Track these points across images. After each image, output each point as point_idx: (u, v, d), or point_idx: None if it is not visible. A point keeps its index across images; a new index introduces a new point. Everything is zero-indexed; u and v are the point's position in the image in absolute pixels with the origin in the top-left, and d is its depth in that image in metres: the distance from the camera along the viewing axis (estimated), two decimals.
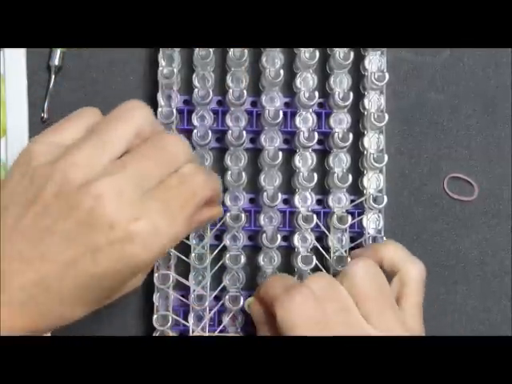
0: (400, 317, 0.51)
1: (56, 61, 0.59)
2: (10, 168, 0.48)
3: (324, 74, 0.59)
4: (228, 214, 0.56)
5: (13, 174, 0.47)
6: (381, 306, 0.51)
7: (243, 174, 0.56)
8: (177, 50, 0.57)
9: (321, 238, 0.58)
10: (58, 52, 0.59)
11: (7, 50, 0.58)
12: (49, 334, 0.56)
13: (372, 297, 0.50)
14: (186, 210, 0.47)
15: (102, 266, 0.44)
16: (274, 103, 0.57)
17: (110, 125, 0.47)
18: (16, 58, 0.59)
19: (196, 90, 0.56)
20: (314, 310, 0.49)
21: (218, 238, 0.58)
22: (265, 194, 0.56)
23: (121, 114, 0.48)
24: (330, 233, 0.57)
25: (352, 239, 0.58)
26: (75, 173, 0.44)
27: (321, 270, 0.57)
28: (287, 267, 0.58)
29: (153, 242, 0.45)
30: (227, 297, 0.56)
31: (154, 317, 0.56)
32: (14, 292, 0.44)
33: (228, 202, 0.57)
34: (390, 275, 0.53)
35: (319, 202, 0.59)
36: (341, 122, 0.58)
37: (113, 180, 0.44)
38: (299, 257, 0.56)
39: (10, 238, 0.45)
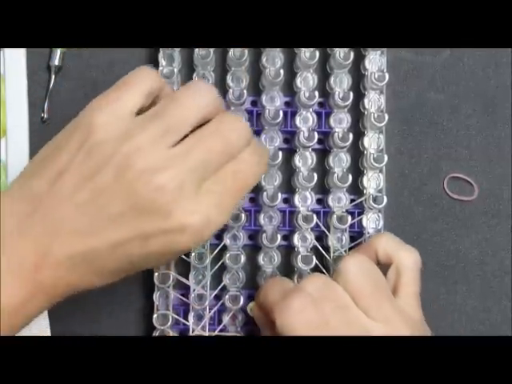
0: (398, 307, 0.51)
1: (56, 61, 0.59)
2: (68, 125, 0.48)
3: (324, 74, 0.59)
4: None
5: (71, 138, 0.47)
6: (378, 300, 0.50)
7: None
8: (177, 49, 0.57)
9: (321, 237, 0.58)
10: (58, 52, 0.59)
11: (7, 50, 0.58)
12: (49, 334, 0.56)
13: (367, 292, 0.50)
14: (236, 199, 0.48)
15: (149, 251, 0.46)
16: (274, 103, 0.57)
17: (177, 107, 0.47)
18: (16, 58, 0.59)
19: None
20: (312, 313, 0.49)
21: (218, 237, 0.58)
22: (265, 193, 0.56)
23: (188, 94, 0.48)
24: (329, 232, 0.57)
25: (352, 239, 0.58)
26: (138, 158, 0.45)
27: (321, 270, 0.57)
28: (287, 267, 0.58)
29: (203, 233, 0.47)
30: (227, 296, 0.56)
31: (154, 316, 0.56)
32: (60, 257, 0.45)
33: None
34: (385, 266, 0.53)
35: (319, 201, 0.59)
36: (341, 122, 0.58)
37: (175, 173, 0.45)
38: (299, 256, 0.56)
39: (65, 208, 0.46)
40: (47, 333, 0.56)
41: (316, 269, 0.56)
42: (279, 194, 0.56)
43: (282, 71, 0.57)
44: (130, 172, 0.45)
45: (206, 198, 0.46)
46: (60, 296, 0.47)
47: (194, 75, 0.57)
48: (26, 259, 0.45)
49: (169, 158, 0.46)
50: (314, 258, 0.56)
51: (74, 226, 0.45)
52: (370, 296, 0.50)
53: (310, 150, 0.57)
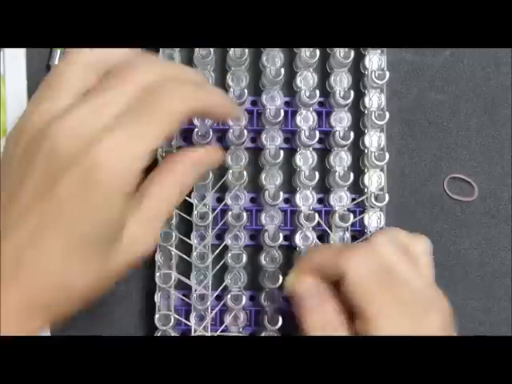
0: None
1: (56, 61, 0.59)
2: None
3: (324, 73, 0.59)
4: (229, 213, 0.56)
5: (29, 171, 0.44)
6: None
7: (244, 173, 0.56)
8: (177, 49, 0.57)
9: (322, 236, 0.58)
10: (58, 52, 0.59)
11: (7, 50, 0.58)
12: (49, 334, 0.56)
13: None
14: (156, 123, 0.44)
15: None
16: (274, 102, 0.57)
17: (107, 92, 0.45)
18: (16, 58, 0.58)
19: None
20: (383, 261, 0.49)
21: (220, 237, 0.58)
22: (266, 192, 0.56)
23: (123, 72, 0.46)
24: (331, 231, 0.57)
25: (353, 238, 0.58)
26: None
27: None
28: (289, 266, 0.57)
29: (121, 164, 0.43)
30: (229, 296, 0.56)
31: (156, 316, 0.56)
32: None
33: (229, 201, 0.57)
34: None
35: (320, 200, 0.59)
36: (341, 121, 0.58)
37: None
38: (301, 255, 0.56)
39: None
40: (47, 332, 0.56)
41: None
42: (280, 194, 0.56)
43: (282, 70, 0.56)
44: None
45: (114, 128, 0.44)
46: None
47: None
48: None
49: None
50: None
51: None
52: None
53: (311, 149, 0.57)
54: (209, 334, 0.56)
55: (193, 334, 0.56)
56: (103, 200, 0.43)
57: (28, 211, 0.43)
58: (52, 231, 0.43)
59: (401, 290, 0.49)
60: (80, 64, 0.47)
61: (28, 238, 0.43)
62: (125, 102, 0.44)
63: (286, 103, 0.59)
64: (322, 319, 0.50)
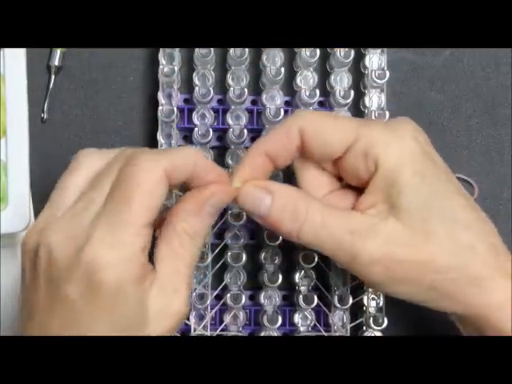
0: None
1: (56, 61, 0.60)
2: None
3: (324, 73, 0.59)
4: (229, 213, 0.56)
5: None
6: None
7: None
8: (177, 49, 0.57)
9: None
10: (58, 52, 0.60)
11: (7, 50, 0.58)
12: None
13: None
14: (131, 204, 0.44)
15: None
16: (274, 101, 0.57)
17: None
18: (16, 58, 0.58)
19: (196, 88, 0.56)
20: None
21: (219, 236, 0.58)
22: None
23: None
24: None
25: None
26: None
27: (322, 268, 0.57)
28: (289, 265, 0.58)
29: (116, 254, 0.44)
30: (229, 295, 0.56)
31: None
32: None
33: None
34: None
35: None
36: None
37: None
38: (301, 254, 0.56)
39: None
40: None
41: (317, 267, 0.56)
42: None
43: (282, 70, 0.57)
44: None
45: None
46: None
47: (195, 74, 0.57)
48: None
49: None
50: (316, 256, 0.56)
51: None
52: None
53: None
54: (208, 333, 0.56)
55: (192, 333, 0.56)
56: (112, 296, 0.43)
57: (47, 315, 0.44)
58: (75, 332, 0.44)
59: None
60: (80, 175, 0.47)
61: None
62: (102, 199, 0.45)
63: (286, 103, 0.59)
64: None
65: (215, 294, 0.57)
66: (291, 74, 0.58)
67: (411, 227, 0.46)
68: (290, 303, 0.58)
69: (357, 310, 0.58)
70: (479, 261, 0.47)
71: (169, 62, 0.57)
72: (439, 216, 0.47)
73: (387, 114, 0.57)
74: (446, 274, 0.46)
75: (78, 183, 0.46)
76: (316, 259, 0.56)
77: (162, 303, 0.45)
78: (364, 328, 0.57)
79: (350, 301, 0.56)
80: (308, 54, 0.57)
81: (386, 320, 0.56)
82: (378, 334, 0.57)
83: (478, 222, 0.48)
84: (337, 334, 0.57)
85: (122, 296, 0.44)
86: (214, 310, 0.57)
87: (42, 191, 0.52)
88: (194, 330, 0.56)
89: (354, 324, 0.57)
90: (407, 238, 0.46)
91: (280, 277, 0.56)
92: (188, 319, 0.56)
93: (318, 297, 0.56)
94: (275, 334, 0.56)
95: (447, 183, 0.48)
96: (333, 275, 0.57)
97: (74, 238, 0.44)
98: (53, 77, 0.60)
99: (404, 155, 0.47)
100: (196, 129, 0.56)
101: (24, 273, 0.46)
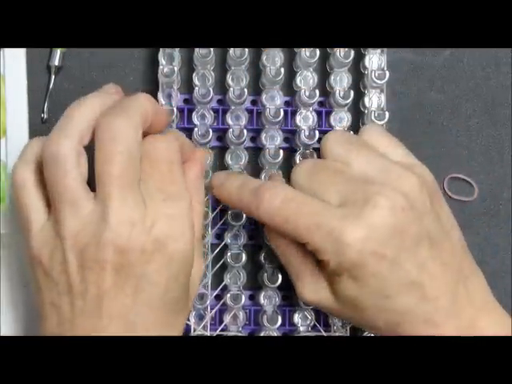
0: None
1: (56, 61, 0.59)
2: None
3: (324, 73, 0.59)
4: (229, 213, 0.56)
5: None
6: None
7: (244, 172, 0.56)
8: (177, 49, 0.57)
9: None
10: (58, 52, 0.59)
11: (7, 50, 0.58)
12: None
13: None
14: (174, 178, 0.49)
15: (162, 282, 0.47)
16: (274, 102, 0.57)
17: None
18: (16, 58, 0.58)
19: (196, 88, 0.56)
20: None
21: (219, 236, 0.58)
22: None
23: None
24: None
25: None
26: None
27: None
28: None
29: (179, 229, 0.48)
30: (228, 295, 0.56)
31: None
32: None
33: None
34: None
35: None
36: (341, 121, 0.58)
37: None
38: None
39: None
40: None
41: None
42: None
43: (282, 70, 0.56)
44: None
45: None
46: None
47: (194, 74, 0.57)
48: None
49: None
50: None
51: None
52: None
53: (311, 148, 0.57)
54: (208, 333, 0.56)
55: (192, 333, 0.56)
56: (182, 264, 0.48)
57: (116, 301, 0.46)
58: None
59: None
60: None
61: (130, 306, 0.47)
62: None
63: (286, 103, 0.59)
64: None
65: (215, 294, 0.57)
66: (291, 75, 0.58)
67: None
68: (289, 303, 0.58)
69: None
70: None
71: (169, 62, 0.57)
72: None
73: (387, 114, 0.57)
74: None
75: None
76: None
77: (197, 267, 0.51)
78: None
79: None
80: (308, 55, 0.57)
81: None
82: None
83: None
84: (336, 334, 0.57)
85: (189, 262, 0.49)
86: (213, 310, 0.57)
87: None
88: (194, 330, 0.56)
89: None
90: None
91: (280, 277, 0.57)
92: (188, 319, 0.56)
93: None
94: (275, 334, 0.56)
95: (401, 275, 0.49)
96: None
97: (138, 225, 0.46)
98: (53, 77, 0.60)
99: (350, 257, 0.48)
100: (196, 129, 0.56)
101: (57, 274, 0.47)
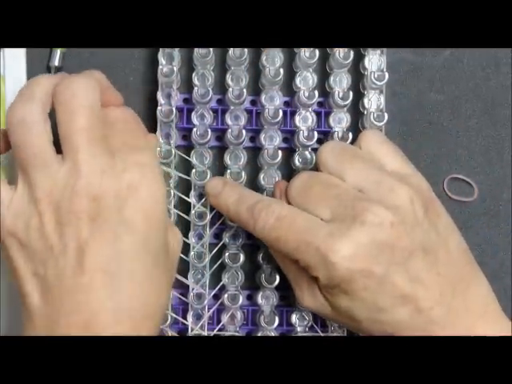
0: None
1: (56, 61, 0.60)
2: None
3: (324, 73, 0.59)
4: None
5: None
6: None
7: (243, 173, 0.57)
8: (177, 49, 0.57)
9: None
10: (58, 52, 0.59)
11: (7, 50, 0.58)
12: None
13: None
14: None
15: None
16: (273, 102, 0.57)
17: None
18: (16, 58, 0.59)
19: (196, 88, 0.57)
20: None
21: (218, 236, 0.58)
22: (264, 192, 0.57)
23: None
24: None
25: None
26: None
27: None
28: None
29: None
30: (226, 295, 0.56)
31: None
32: None
33: None
34: None
35: None
36: (340, 122, 0.58)
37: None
38: None
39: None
40: None
41: None
42: None
43: (281, 70, 0.56)
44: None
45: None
46: None
47: (194, 74, 0.57)
48: None
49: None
50: None
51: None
52: None
53: (310, 149, 0.57)
54: (206, 333, 0.56)
55: (190, 332, 0.56)
56: (156, 213, 0.48)
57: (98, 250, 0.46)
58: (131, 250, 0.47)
59: None
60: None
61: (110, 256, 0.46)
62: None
63: (285, 103, 0.59)
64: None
65: (213, 293, 0.57)
66: (290, 75, 0.58)
67: None
68: (287, 303, 0.58)
69: None
70: None
71: (168, 62, 0.57)
72: None
73: (386, 115, 0.57)
74: None
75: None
76: None
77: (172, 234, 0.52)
78: None
79: None
80: (307, 55, 0.57)
81: None
82: None
83: None
84: (334, 335, 0.57)
85: (164, 210, 0.49)
86: (211, 310, 0.57)
87: None
88: (192, 330, 0.56)
89: None
90: None
91: (277, 277, 0.57)
92: (185, 319, 0.57)
93: None
94: (272, 335, 0.56)
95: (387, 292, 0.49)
96: None
97: (103, 170, 0.47)
98: None
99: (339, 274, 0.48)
100: (195, 129, 0.56)
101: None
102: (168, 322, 0.56)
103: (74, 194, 0.46)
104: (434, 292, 0.49)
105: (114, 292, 0.46)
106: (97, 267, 0.45)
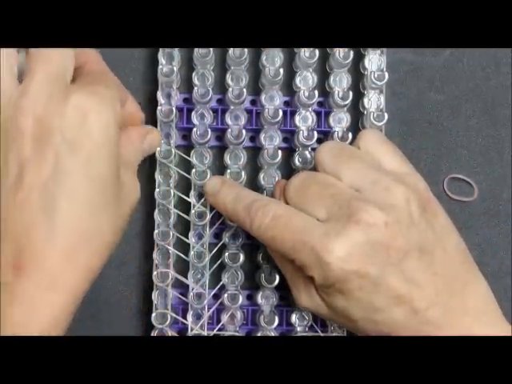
0: None
1: None
2: None
3: (324, 73, 0.59)
4: None
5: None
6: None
7: (242, 172, 0.57)
8: (177, 49, 0.57)
9: None
10: None
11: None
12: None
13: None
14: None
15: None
16: (273, 102, 0.57)
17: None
18: None
19: (196, 88, 0.57)
20: None
21: (217, 236, 0.58)
22: (264, 192, 0.57)
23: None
24: None
25: None
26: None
27: None
28: None
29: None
30: (226, 295, 0.56)
31: (153, 315, 0.56)
32: None
33: None
34: None
35: None
36: (340, 121, 0.58)
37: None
38: None
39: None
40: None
41: None
42: None
43: (281, 70, 0.57)
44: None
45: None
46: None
47: (194, 74, 0.57)
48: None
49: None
50: None
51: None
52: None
53: (310, 149, 0.57)
54: (205, 332, 0.56)
55: (189, 332, 0.56)
56: (103, 140, 0.47)
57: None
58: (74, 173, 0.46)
59: None
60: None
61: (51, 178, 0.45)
62: None
63: (285, 103, 0.59)
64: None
65: (212, 293, 0.57)
66: (290, 75, 0.58)
67: None
68: (287, 303, 0.58)
69: None
70: None
71: (168, 61, 0.57)
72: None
73: (386, 115, 0.57)
74: None
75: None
76: None
77: (130, 178, 0.52)
78: None
79: None
80: (307, 55, 0.57)
81: None
82: None
83: None
84: (334, 335, 0.57)
85: (113, 142, 0.48)
86: (211, 310, 0.57)
87: None
88: (191, 330, 0.56)
89: None
90: None
91: (277, 277, 0.57)
92: (185, 319, 0.57)
93: None
94: (272, 334, 0.56)
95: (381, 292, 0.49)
96: None
97: (51, 93, 0.46)
98: None
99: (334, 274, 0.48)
100: (195, 128, 0.57)
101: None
102: (168, 322, 0.56)
103: (19, 112, 0.46)
104: (430, 292, 0.49)
105: (49, 210, 0.45)
106: (34, 185, 0.45)
